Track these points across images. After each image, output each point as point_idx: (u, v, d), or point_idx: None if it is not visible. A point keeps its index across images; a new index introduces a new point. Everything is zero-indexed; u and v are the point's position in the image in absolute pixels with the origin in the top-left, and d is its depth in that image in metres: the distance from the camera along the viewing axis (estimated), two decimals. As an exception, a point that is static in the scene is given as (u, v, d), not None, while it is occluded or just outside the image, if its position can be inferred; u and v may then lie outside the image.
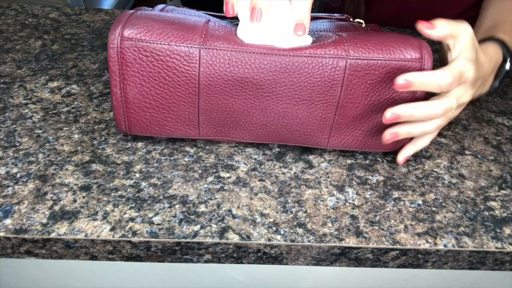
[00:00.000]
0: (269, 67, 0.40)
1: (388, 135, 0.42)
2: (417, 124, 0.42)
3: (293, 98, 0.41)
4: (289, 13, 0.40)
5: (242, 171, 0.44)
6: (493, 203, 0.43)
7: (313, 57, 0.40)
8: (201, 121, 0.43)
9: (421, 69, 0.41)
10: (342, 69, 0.40)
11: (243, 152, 0.46)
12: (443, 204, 0.43)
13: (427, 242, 0.39)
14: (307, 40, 0.41)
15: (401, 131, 0.42)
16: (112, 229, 0.37)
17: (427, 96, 0.42)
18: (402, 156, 0.45)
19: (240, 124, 0.43)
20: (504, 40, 0.49)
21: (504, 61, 0.49)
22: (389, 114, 0.41)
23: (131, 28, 0.39)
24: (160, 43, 0.39)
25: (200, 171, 0.43)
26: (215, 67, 0.39)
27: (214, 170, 0.44)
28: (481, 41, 0.50)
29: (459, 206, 0.43)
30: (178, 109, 0.42)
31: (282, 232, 0.38)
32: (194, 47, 0.39)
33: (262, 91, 0.41)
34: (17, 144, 0.44)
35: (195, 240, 0.37)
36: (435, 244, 0.39)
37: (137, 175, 0.42)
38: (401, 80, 0.39)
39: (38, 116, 0.48)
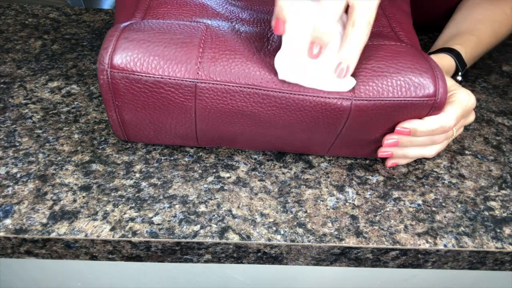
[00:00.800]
0: (268, 103, 0.37)
1: (382, 154, 0.43)
2: (414, 148, 0.43)
3: (292, 128, 0.40)
4: (335, 52, 0.36)
5: (242, 171, 0.44)
6: (493, 203, 0.43)
7: (316, 97, 0.37)
8: (200, 137, 0.42)
9: (433, 105, 0.38)
10: (347, 109, 0.37)
11: (243, 152, 0.46)
12: (443, 204, 0.43)
13: (427, 242, 0.39)
14: (350, 83, 0.36)
15: (397, 152, 0.43)
16: (112, 229, 0.37)
17: None
18: (390, 162, 0.45)
19: (239, 141, 0.43)
20: (459, 52, 0.52)
21: (456, 73, 0.52)
22: (389, 140, 0.41)
23: (121, 57, 0.36)
24: (154, 76, 0.36)
25: (200, 171, 0.43)
26: (212, 100, 0.37)
27: (214, 170, 0.44)
28: (438, 51, 0.53)
29: (459, 206, 0.43)
30: (176, 129, 0.41)
31: (282, 232, 0.38)
32: (189, 81, 0.36)
33: (260, 121, 0.39)
34: (17, 144, 0.44)
35: (195, 240, 0.37)
36: (435, 244, 0.39)
37: (137, 175, 0.42)
38: (402, 129, 0.40)
39: (38, 116, 0.48)
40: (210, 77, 0.36)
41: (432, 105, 0.38)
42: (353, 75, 0.37)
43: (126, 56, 0.36)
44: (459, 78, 0.52)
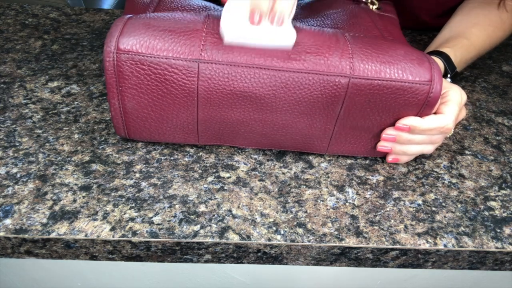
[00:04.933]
0: (269, 82, 0.38)
1: (381, 148, 0.44)
2: (413, 145, 0.44)
3: (292, 112, 0.40)
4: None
5: (242, 171, 0.44)
6: (493, 203, 0.43)
7: (314, 74, 0.38)
8: (200, 130, 0.43)
9: (429, 92, 0.39)
10: (344, 87, 0.38)
11: (243, 152, 0.46)
12: (443, 204, 0.43)
13: (427, 242, 0.39)
14: (291, 36, 0.38)
15: (396, 149, 0.44)
16: (112, 229, 0.37)
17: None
18: (391, 157, 0.45)
19: (239, 134, 0.43)
20: (449, 55, 0.52)
21: (445, 75, 0.53)
22: (387, 135, 0.42)
23: (127, 40, 0.37)
24: (158, 57, 0.37)
25: (200, 171, 0.43)
26: (214, 81, 0.38)
27: (214, 170, 0.44)
28: (429, 54, 0.54)
29: (459, 206, 0.43)
30: (177, 119, 0.41)
31: (282, 232, 0.38)
32: (193, 61, 0.37)
33: (261, 105, 0.40)
34: (17, 144, 0.44)
35: (195, 240, 0.37)
36: (435, 244, 0.39)
37: (137, 175, 0.42)
38: (402, 125, 0.41)
39: (38, 116, 0.48)
40: (213, 57, 0.37)
41: (428, 91, 0.39)
42: (352, 54, 0.38)
43: (132, 38, 0.37)
44: (448, 80, 0.53)
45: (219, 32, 0.39)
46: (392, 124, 0.42)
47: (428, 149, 0.44)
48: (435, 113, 0.42)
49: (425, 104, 0.40)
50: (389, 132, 0.42)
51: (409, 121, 0.40)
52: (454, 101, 0.42)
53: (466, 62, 0.56)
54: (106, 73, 0.38)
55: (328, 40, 0.40)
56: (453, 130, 0.44)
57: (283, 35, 0.38)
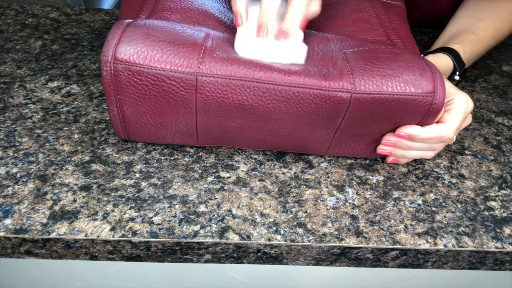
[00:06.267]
0: (268, 96, 0.38)
1: (381, 151, 0.44)
2: (413, 151, 0.44)
3: (292, 123, 0.40)
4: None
5: (242, 171, 0.44)
6: (493, 203, 0.43)
7: (315, 90, 0.37)
8: (200, 135, 0.43)
9: (432, 103, 0.38)
10: (346, 102, 0.38)
11: (243, 152, 0.46)
12: (443, 204, 0.43)
13: (427, 242, 0.39)
14: (302, 52, 0.39)
15: (396, 153, 0.44)
16: (112, 229, 0.37)
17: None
18: (391, 158, 0.45)
19: (239, 139, 0.43)
20: (458, 51, 0.52)
21: (453, 73, 0.52)
22: (387, 140, 0.42)
23: (125, 50, 0.36)
24: (156, 69, 0.36)
25: (200, 171, 0.43)
26: (213, 94, 0.38)
27: (214, 170, 0.44)
28: (436, 50, 0.53)
29: (459, 206, 0.43)
30: (176, 125, 0.41)
31: (282, 232, 0.38)
32: (191, 74, 0.37)
33: (260, 116, 0.39)
34: (17, 144, 0.44)
35: (195, 240, 0.37)
36: (435, 244, 0.39)
37: (137, 175, 0.42)
38: (402, 133, 0.41)
39: (38, 116, 0.48)
40: (211, 71, 0.37)
41: (431, 102, 0.38)
42: (353, 70, 0.38)
43: (130, 48, 0.36)
44: (457, 77, 0.52)
45: (221, 48, 0.38)
46: (393, 130, 0.42)
47: (428, 155, 0.44)
48: (438, 121, 0.42)
49: (428, 114, 0.39)
50: (389, 138, 0.42)
51: (409, 130, 0.40)
52: (458, 110, 0.42)
53: (475, 58, 0.55)
54: (104, 81, 0.38)
55: (328, 63, 0.39)
56: (455, 138, 0.44)
57: (293, 51, 0.39)
